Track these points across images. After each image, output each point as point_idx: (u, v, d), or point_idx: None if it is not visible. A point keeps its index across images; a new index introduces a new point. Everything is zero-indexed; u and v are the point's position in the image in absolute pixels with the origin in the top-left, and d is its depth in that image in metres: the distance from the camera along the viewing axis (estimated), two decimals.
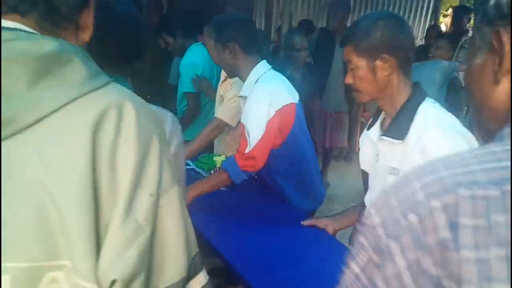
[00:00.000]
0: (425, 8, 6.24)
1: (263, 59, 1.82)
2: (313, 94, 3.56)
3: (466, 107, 5.15)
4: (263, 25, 5.06)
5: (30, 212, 0.50)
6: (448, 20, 8.67)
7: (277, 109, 1.69)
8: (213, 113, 2.51)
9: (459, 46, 4.50)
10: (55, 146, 0.51)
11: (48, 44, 0.53)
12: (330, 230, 1.57)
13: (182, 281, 0.59)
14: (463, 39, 4.50)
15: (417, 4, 6.12)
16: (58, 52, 0.53)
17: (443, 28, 9.39)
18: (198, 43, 2.90)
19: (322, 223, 1.60)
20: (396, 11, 6.15)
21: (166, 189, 0.57)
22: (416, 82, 1.26)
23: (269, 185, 1.95)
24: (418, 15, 6.30)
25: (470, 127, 2.76)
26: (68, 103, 0.52)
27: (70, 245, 0.51)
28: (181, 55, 3.03)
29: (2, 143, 0.50)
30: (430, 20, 6.25)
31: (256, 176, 2.10)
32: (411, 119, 1.19)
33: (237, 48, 1.73)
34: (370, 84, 1.24)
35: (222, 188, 1.91)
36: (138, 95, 0.61)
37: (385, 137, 1.24)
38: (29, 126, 0.50)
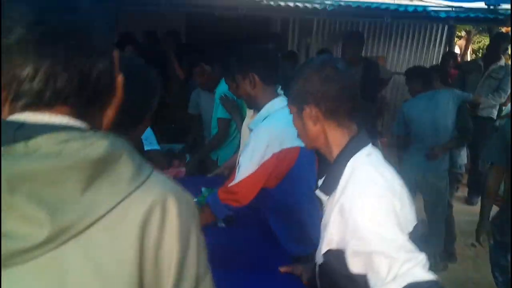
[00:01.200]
0: (439, 34, 6.27)
1: (282, 90, 1.82)
2: None
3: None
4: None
5: None
6: (461, 42, 8.67)
7: (275, 151, 1.65)
8: (239, 139, 2.59)
9: (486, 74, 4.40)
10: (106, 248, 0.53)
11: (101, 145, 0.54)
12: (303, 278, 1.50)
13: None
14: (492, 67, 4.35)
15: (431, 30, 6.16)
16: (111, 152, 0.54)
17: (457, 50, 9.39)
18: None
19: (298, 270, 1.54)
20: (409, 38, 6.22)
21: (202, 276, 0.61)
22: (360, 130, 1.19)
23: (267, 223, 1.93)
24: (432, 40, 6.33)
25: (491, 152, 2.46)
26: (119, 203, 0.54)
27: None
28: (213, 87, 3.14)
29: (57, 250, 0.51)
30: (445, 46, 6.28)
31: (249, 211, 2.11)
32: (340, 174, 1.12)
33: (257, 79, 1.74)
34: (303, 133, 1.22)
35: (219, 224, 1.95)
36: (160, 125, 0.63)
37: (317, 191, 1.20)
38: (83, 231, 0.51)
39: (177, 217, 0.57)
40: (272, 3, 3.76)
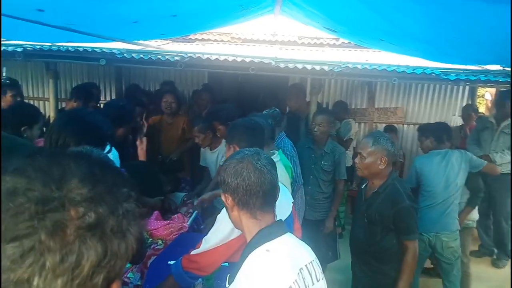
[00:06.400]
0: (461, 87, 6.15)
1: None
2: None
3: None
4: None
5: None
6: (492, 90, 8.39)
7: None
8: None
9: (499, 130, 4.41)
10: None
11: None
12: None
13: None
14: (503, 123, 4.38)
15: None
16: None
17: (488, 97, 9.05)
18: None
19: None
20: (429, 90, 6.14)
21: None
22: (278, 221, 1.26)
23: None
24: (454, 93, 6.21)
25: None
26: None
27: None
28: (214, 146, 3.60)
29: None
30: (468, 98, 6.14)
31: None
32: (239, 267, 1.16)
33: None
34: (230, 216, 1.32)
35: None
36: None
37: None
38: None
39: None
40: (281, 65, 3.91)
